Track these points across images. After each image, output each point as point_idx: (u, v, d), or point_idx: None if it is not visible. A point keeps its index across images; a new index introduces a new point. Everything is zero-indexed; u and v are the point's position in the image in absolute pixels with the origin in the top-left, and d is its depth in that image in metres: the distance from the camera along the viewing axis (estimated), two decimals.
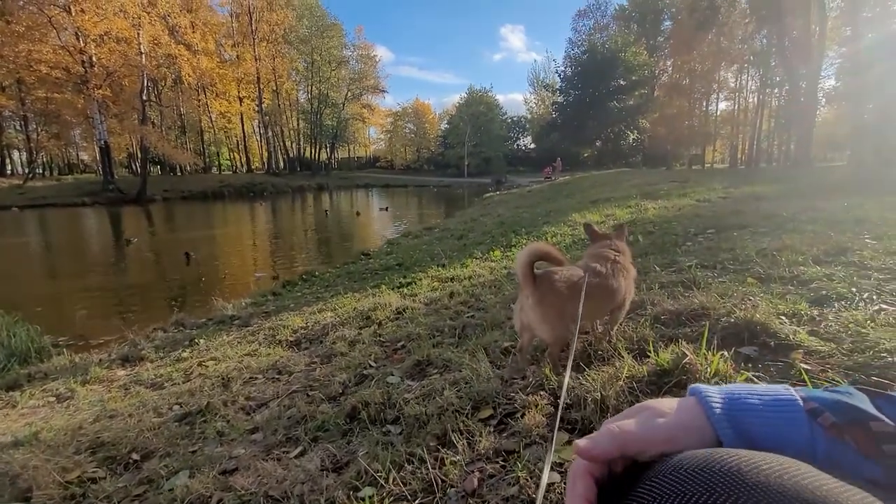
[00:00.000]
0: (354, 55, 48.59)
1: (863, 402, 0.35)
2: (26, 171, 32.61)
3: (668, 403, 0.39)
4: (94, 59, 24.40)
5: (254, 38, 38.31)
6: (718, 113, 37.30)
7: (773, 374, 1.39)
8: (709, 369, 1.34)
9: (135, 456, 1.77)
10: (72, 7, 22.65)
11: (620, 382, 1.43)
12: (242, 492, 1.34)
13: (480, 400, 1.63)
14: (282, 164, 46.78)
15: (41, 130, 31.53)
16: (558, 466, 1.16)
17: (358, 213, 18.50)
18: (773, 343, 1.56)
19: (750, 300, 1.97)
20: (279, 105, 44.47)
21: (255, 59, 38.43)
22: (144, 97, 27.56)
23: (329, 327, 3.33)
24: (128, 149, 36.92)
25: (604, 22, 45.07)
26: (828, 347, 1.46)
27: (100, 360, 3.64)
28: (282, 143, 47.72)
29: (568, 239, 5.17)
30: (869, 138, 17.57)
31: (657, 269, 2.92)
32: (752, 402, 0.37)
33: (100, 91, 24.71)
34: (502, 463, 1.26)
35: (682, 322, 1.91)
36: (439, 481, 1.22)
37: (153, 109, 33.73)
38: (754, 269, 2.52)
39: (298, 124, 48.91)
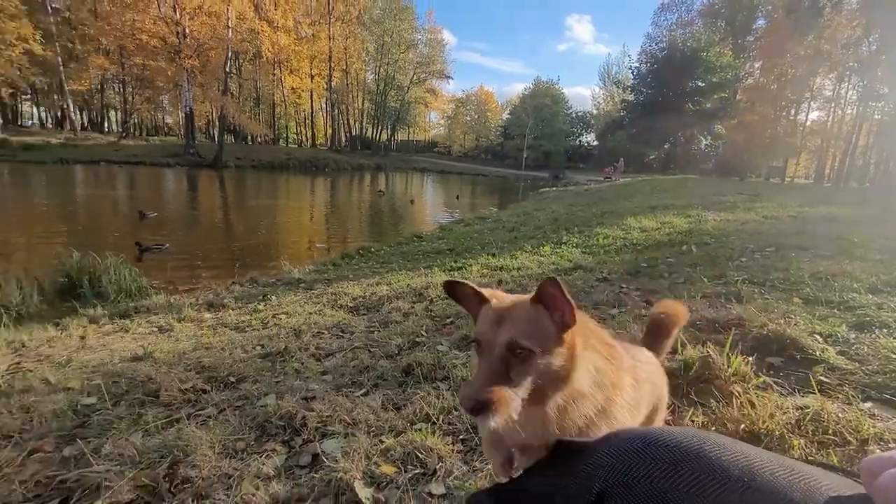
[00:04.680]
0: (423, 39, 49.07)
1: None
2: (120, 129, 36.31)
3: None
4: (187, 30, 26.44)
5: (329, 18, 39.68)
6: (808, 123, 34.23)
7: (792, 381, 1.52)
8: (729, 369, 1.49)
9: (231, 379, 2.18)
10: None
11: None
12: (321, 413, 1.67)
13: None
14: (344, 142, 48.44)
15: (136, 94, 35.17)
16: None
17: (412, 202, 18.23)
18: (799, 356, 1.67)
19: (790, 318, 2.06)
20: (347, 84, 45.94)
21: (329, 38, 39.84)
22: (227, 69, 29.55)
23: (385, 299, 3.67)
24: (207, 116, 39.90)
25: (688, 17, 42.28)
26: (852, 366, 1.56)
27: (189, 303, 4.22)
28: (346, 121, 49.35)
29: (619, 242, 5.21)
30: None
31: (704, 280, 2.99)
32: None
33: (189, 61, 26.81)
34: None
35: (716, 329, 2.04)
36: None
37: (233, 81, 36.05)
38: (803, 291, 2.55)
39: (363, 104, 50.28)
